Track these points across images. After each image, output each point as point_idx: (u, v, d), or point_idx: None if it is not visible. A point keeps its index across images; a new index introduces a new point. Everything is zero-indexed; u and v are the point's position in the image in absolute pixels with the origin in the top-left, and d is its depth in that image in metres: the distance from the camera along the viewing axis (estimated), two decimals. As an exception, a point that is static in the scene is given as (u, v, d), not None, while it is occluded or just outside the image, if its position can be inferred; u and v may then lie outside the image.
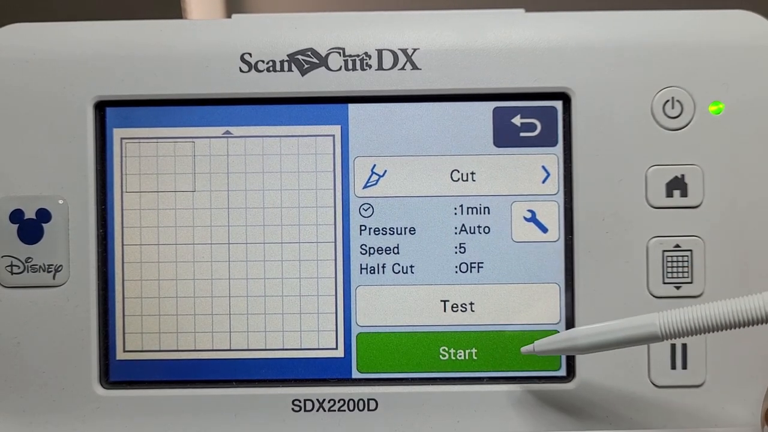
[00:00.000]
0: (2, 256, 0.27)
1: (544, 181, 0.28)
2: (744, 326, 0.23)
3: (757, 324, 0.23)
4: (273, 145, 0.28)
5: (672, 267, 0.27)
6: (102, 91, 0.28)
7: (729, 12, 0.28)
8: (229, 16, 0.28)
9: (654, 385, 0.27)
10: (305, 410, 0.28)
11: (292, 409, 0.28)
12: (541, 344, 0.26)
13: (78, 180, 0.27)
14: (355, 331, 0.28)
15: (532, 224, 0.28)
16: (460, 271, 0.28)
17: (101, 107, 0.28)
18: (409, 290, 0.28)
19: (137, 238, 0.28)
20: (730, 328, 0.23)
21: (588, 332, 0.25)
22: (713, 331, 0.23)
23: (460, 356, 0.28)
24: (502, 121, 0.28)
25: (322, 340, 0.28)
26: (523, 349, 0.26)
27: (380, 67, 0.28)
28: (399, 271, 0.28)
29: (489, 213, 0.28)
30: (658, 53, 0.27)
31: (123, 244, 0.28)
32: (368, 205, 0.28)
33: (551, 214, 0.28)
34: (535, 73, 0.27)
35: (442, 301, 0.28)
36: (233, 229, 0.28)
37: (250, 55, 0.28)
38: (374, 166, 0.28)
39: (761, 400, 0.27)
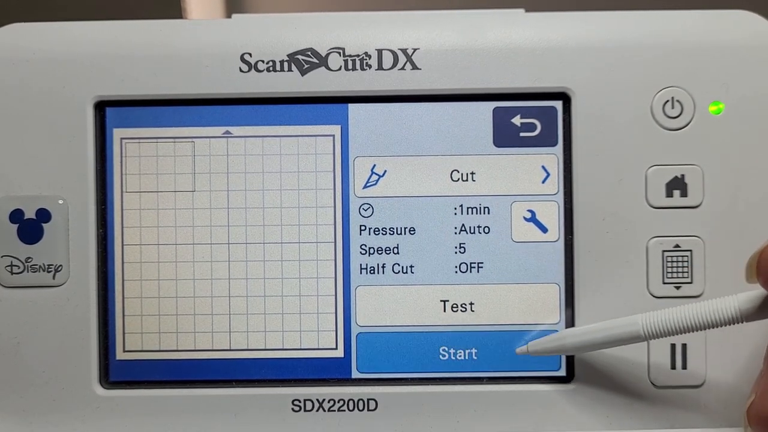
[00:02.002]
0: (2, 256, 0.27)
1: (544, 181, 0.28)
2: (721, 326, 0.24)
3: (733, 324, 0.24)
4: (273, 145, 0.28)
5: (672, 267, 0.27)
6: (102, 91, 0.28)
7: (729, 12, 0.28)
8: (229, 16, 0.28)
9: (654, 385, 0.27)
10: (305, 410, 0.28)
11: (292, 409, 0.28)
12: (533, 345, 0.27)
13: (78, 180, 0.27)
14: (354, 331, 0.28)
15: (532, 224, 0.28)
16: (460, 271, 0.28)
17: (101, 107, 0.28)
18: (409, 290, 0.28)
19: (137, 238, 0.28)
20: (709, 328, 0.24)
21: (575, 332, 0.26)
22: (693, 331, 0.24)
23: (460, 356, 0.28)
24: (502, 121, 0.28)
25: (322, 340, 0.28)
26: (518, 349, 0.27)
27: (380, 67, 0.28)
28: (399, 271, 0.28)
29: (489, 213, 0.28)
30: (658, 53, 0.27)
31: (123, 244, 0.28)
32: (368, 205, 0.28)
33: (551, 214, 0.28)
34: (535, 73, 0.27)
35: (441, 301, 0.28)
36: (233, 229, 0.28)
37: (250, 55, 0.28)
38: (374, 166, 0.28)
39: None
